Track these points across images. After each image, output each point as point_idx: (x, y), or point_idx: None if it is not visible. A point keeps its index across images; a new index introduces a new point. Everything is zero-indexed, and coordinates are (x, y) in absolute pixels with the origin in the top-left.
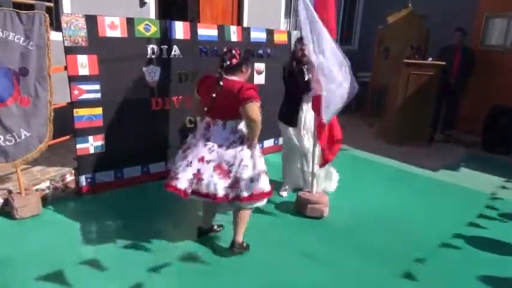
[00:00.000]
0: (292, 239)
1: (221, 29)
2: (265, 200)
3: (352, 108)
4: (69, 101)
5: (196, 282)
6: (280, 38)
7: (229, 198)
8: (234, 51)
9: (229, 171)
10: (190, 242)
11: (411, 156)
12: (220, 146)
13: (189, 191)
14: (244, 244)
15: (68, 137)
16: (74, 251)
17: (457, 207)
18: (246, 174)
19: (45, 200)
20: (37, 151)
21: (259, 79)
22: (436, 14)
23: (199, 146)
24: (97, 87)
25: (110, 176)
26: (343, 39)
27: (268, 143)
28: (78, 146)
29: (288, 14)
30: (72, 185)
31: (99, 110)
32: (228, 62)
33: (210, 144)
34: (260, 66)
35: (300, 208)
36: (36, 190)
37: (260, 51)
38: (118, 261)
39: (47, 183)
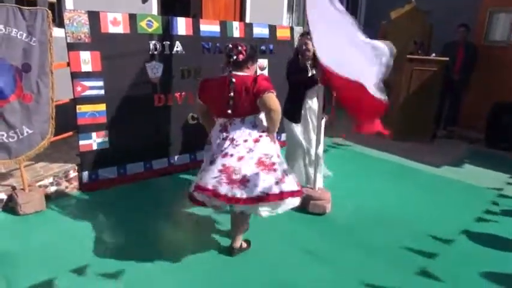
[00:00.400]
0: (294, 236)
1: (223, 25)
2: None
3: None
4: (72, 97)
5: (197, 279)
6: (283, 33)
7: (283, 195)
8: (240, 47)
9: (273, 164)
10: (191, 239)
11: (414, 153)
12: (245, 141)
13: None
14: (244, 245)
15: (71, 133)
16: (76, 246)
17: (460, 204)
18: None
19: (48, 196)
20: (39, 147)
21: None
22: (440, 9)
23: (221, 146)
24: (100, 83)
25: (113, 172)
26: None
27: None
28: (81, 142)
29: (290, 10)
30: (75, 182)
31: (102, 107)
32: (235, 58)
33: (235, 142)
34: (263, 62)
35: (302, 204)
36: (40, 186)
37: (263, 47)
38: (119, 256)
39: (50, 180)
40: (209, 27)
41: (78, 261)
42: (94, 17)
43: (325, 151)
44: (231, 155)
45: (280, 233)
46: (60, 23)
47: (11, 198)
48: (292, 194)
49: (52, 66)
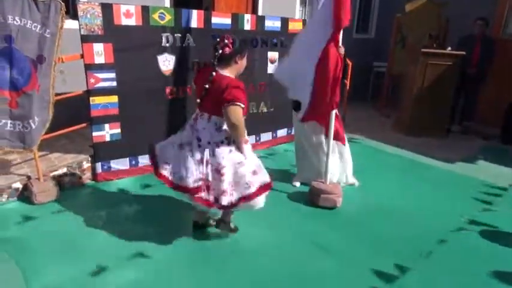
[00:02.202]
0: (304, 229)
1: (235, 18)
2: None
3: (367, 98)
4: (86, 89)
5: (203, 270)
6: (295, 26)
7: (233, 203)
8: (226, 40)
9: (222, 174)
10: (199, 230)
11: (427, 148)
12: (208, 143)
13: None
14: (232, 226)
15: (84, 124)
16: (89, 234)
17: (471, 200)
18: (245, 171)
19: (62, 186)
20: (42, 135)
21: (273, 68)
22: (456, 2)
23: (193, 144)
24: (112, 75)
25: (124, 164)
26: (359, 28)
27: (282, 132)
28: (94, 133)
29: (303, 2)
30: (89, 172)
31: (114, 98)
32: (220, 51)
33: (202, 142)
34: (274, 55)
35: (312, 198)
36: (54, 176)
37: (274, 40)
38: (133, 244)
39: (64, 170)
40: (220, 20)
41: (92, 249)
42: (107, 9)
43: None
44: (193, 156)
45: (290, 227)
46: (74, 15)
47: (26, 187)
48: (222, 207)
49: (56, 57)
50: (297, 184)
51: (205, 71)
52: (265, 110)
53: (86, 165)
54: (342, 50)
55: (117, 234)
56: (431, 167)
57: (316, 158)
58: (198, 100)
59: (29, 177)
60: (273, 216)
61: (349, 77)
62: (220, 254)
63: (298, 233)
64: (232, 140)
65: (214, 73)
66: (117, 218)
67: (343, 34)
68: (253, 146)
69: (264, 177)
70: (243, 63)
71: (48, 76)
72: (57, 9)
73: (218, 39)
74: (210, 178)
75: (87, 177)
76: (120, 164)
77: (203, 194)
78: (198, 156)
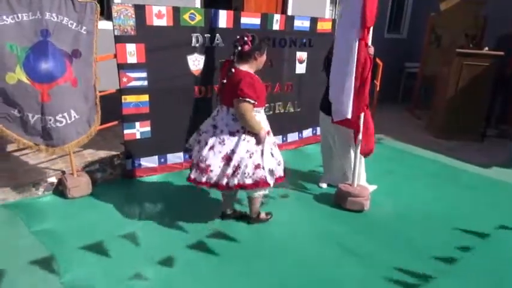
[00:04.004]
0: (330, 232)
1: (264, 18)
2: (266, 189)
3: (398, 100)
4: (118, 87)
5: (228, 271)
6: (324, 26)
7: (229, 186)
8: (246, 38)
9: (230, 159)
10: (226, 227)
11: (461, 151)
12: (223, 132)
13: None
14: (262, 215)
15: (116, 122)
16: (116, 227)
17: (507, 207)
18: (249, 162)
19: (94, 182)
20: (87, 135)
21: (301, 68)
22: (495, 0)
23: (209, 132)
24: (144, 75)
25: (154, 161)
26: (390, 27)
27: (307, 133)
28: (126, 131)
29: (333, 2)
30: (120, 169)
31: (145, 97)
32: (240, 49)
33: (217, 130)
34: (302, 55)
35: (339, 200)
36: (87, 172)
37: (303, 40)
38: (154, 237)
39: (97, 166)
40: (250, 20)
41: (122, 244)
42: (140, 10)
43: None
44: (214, 150)
45: (316, 229)
46: (108, 16)
47: (60, 182)
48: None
49: (96, 56)
50: (324, 185)
51: (225, 65)
52: (292, 110)
53: (117, 162)
54: (372, 50)
55: (145, 230)
56: (465, 171)
57: (343, 159)
58: (218, 95)
59: (63, 172)
60: (299, 217)
61: (379, 77)
62: (245, 254)
63: (324, 236)
64: (248, 131)
65: (233, 69)
66: (146, 214)
67: (373, 34)
68: (280, 146)
69: (262, 174)
70: (262, 59)
71: (88, 72)
72: (92, 10)
73: (238, 37)
74: (218, 163)
75: (118, 173)
76: (149, 162)
77: (202, 177)
78: (211, 142)
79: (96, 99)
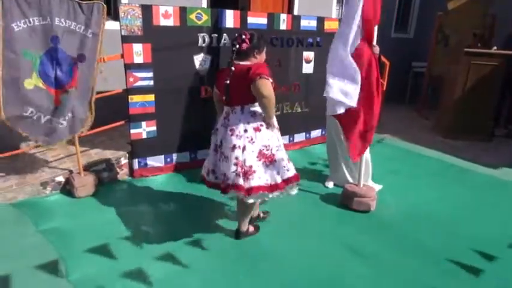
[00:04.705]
0: (336, 232)
1: (271, 17)
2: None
3: (405, 100)
4: (125, 87)
5: (234, 271)
6: (331, 26)
7: (278, 184)
8: (244, 36)
9: (273, 155)
10: (231, 226)
11: (469, 152)
12: (245, 130)
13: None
14: (250, 230)
15: (123, 122)
16: (123, 227)
17: None
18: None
19: (101, 181)
20: (78, 135)
21: (308, 68)
22: None
23: (225, 136)
24: (150, 74)
25: (160, 161)
26: (397, 27)
27: (315, 133)
28: (132, 131)
29: (340, 1)
30: (126, 168)
31: (151, 97)
32: (238, 47)
33: (235, 132)
34: (309, 55)
35: (345, 201)
36: (94, 171)
37: (310, 40)
38: (160, 237)
39: (103, 165)
40: (256, 20)
41: (127, 243)
42: (147, 10)
43: (371, 145)
44: (238, 147)
45: (322, 230)
46: (115, 17)
47: (68, 181)
48: (288, 181)
49: (102, 56)
50: (330, 185)
51: (222, 73)
52: (299, 110)
53: (124, 161)
54: (377, 50)
55: (151, 230)
56: (472, 172)
57: (350, 159)
58: (224, 97)
59: (70, 172)
60: (305, 218)
61: (386, 77)
62: (251, 255)
63: (330, 237)
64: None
65: (233, 67)
66: (152, 214)
67: (379, 33)
68: (286, 146)
69: (251, 182)
70: (261, 58)
71: (90, 75)
72: (99, 11)
73: (236, 35)
74: (247, 163)
75: (124, 173)
76: (155, 161)
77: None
78: (231, 145)
79: (92, 100)
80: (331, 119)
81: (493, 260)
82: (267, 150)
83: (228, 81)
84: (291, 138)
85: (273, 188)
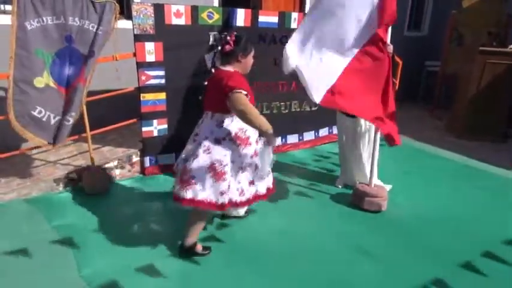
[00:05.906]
0: (347, 232)
1: (282, 16)
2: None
3: (418, 99)
4: (137, 86)
5: (242, 271)
6: None
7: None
8: (228, 38)
9: (224, 173)
10: (242, 225)
11: (482, 153)
12: (206, 138)
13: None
14: (199, 248)
15: (135, 120)
16: (134, 223)
17: None
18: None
19: (113, 178)
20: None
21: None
22: None
23: (194, 142)
24: (162, 73)
25: (171, 159)
26: (411, 25)
27: (324, 132)
28: (144, 129)
29: None
30: (137, 166)
31: (163, 95)
32: (220, 48)
33: (199, 138)
34: None
35: (356, 201)
36: (106, 169)
37: None
38: (171, 232)
39: (115, 163)
40: (267, 19)
41: (138, 240)
42: (159, 9)
43: (380, 145)
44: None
45: (333, 229)
46: (128, 16)
47: (80, 178)
48: (235, 204)
49: (116, 54)
50: (340, 185)
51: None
52: (308, 108)
53: (135, 159)
54: (390, 49)
55: (162, 227)
56: (486, 173)
57: (360, 159)
58: (200, 97)
59: (83, 169)
60: (315, 218)
61: (398, 76)
62: (259, 255)
63: (340, 236)
64: (232, 142)
65: (213, 69)
66: (163, 211)
67: (393, 32)
68: (296, 145)
69: (231, 196)
70: (247, 61)
71: (90, 70)
72: (111, 9)
73: (222, 36)
74: (195, 173)
75: (135, 170)
76: (166, 159)
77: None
78: (192, 151)
79: (83, 97)
80: (342, 119)
81: (504, 262)
82: (220, 165)
83: (206, 83)
84: (301, 137)
85: (211, 206)
